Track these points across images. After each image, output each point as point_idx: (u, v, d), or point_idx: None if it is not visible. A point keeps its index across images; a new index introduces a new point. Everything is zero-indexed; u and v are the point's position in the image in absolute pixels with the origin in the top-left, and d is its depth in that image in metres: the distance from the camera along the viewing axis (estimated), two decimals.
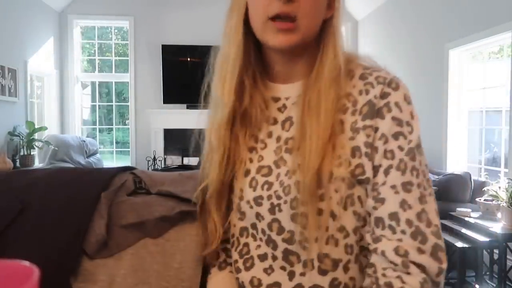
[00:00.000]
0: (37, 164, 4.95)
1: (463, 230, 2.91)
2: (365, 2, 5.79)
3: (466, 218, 3.01)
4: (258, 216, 0.68)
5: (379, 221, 0.62)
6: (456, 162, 4.15)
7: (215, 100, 0.72)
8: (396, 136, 0.64)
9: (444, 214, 3.25)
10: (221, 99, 0.70)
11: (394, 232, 0.61)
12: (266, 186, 0.67)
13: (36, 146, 4.80)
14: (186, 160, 5.99)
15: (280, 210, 0.65)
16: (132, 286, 0.95)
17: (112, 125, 6.64)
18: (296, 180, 0.64)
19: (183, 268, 0.98)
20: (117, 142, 6.74)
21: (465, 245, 2.79)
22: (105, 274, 0.94)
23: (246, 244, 0.71)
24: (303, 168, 0.63)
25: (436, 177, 3.82)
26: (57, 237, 0.90)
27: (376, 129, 0.64)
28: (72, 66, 6.09)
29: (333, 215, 0.63)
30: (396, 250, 0.60)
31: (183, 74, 6.05)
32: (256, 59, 0.73)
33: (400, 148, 0.64)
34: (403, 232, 0.60)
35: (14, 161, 4.47)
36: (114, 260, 0.96)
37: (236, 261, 0.73)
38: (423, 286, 0.58)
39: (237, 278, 0.72)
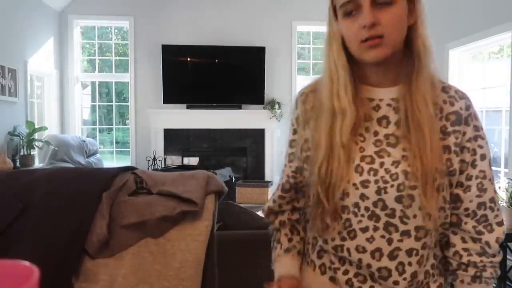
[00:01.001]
0: (37, 164, 4.95)
1: None
2: None
3: None
4: (363, 196, 0.83)
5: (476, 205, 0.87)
6: None
7: (330, 110, 0.85)
8: (476, 138, 0.85)
9: None
10: (340, 110, 0.84)
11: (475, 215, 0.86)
12: (372, 172, 0.82)
13: (36, 146, 4.80)
14: (186, 160, 5.98)
15: (386, 192, 0.81)
16: (133, 286, 0.95)
17: (112, 125, 6.64)
18: (403, 169, 0.81)
19: (184, 268, 0.98)
20: (117, 142, 6.74)
21: None
22: (106, 274, 0.94)
23: (348, 220, 0.85)
24: (419, 161, 0.79)
25: None
26: (59, 237, 0.90)
27: (464, 133, 0.84)
28: (72, 66, 6.09)
29: (430, 198, 0.81)
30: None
31: (183, 74, 6.05)
32: (351, 67, 0.87)
33: (480, 147, 0.85)
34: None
35: (14, 161, 4.47)
36: (115, 260, 0.96)
37: (340, 232, 0.87)
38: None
39: (343, 245, 0.87)
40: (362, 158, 0.84)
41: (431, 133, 0.80)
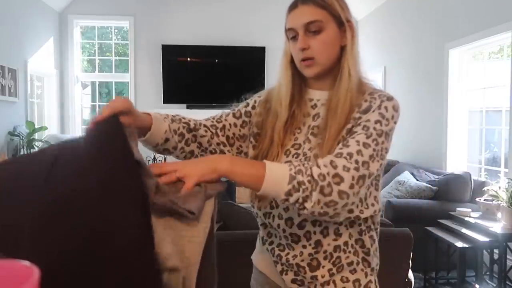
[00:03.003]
0: None
1: (463, 230, 2.91)
2: (365, 2, 5.79)
3: (466, 218, 3.01)
4: None
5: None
6: (456, 162, 4.15)
7: (274, 111, 1.08)
8: (376, 122, 0.93)
9: (444, 214, 3.25)
10: (278, 113, 1.07)
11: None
12: (295, 156, 1.03)
13: (36, 146, 4.80)
14: None
15: None
16: None
17: None
18: (315, 153, 0.98)
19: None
20: None
21: (465, 245, 2.78)
22: None
23: None
24: (321, 146, 0.97)
25: (436, 177, 3.81)
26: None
27: (366, 118, 0.95)
28: (72, 66, 6.10)
29: None
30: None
31: (183, 74, 6.05)
32: (299, 77, 1.09)
33: (374, 128, 0.92)
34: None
35: None
36: None
37: (270, 202, 1.04)
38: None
39: (271, 212, 1.04)
40: (293, 145, 1.05)
41: (337, 123, 0.96)
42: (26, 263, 0.43)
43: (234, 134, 1.13)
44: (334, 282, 1.01)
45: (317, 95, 1.07)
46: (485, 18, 3.62)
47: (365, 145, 0.90)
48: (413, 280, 2.05)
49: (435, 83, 4.37)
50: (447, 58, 4.14)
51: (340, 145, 0.92)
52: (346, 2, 1.04)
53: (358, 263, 1.02)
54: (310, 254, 1.00)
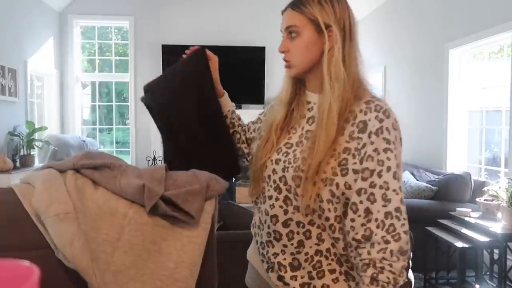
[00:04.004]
0: (37, 164, 4.95)
1: (463, 230, 2.91)
2: (365, 2, 5.79)
3: (466, 218, 3.01)
4: (274, 171, 1.04)
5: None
6: (456, 162, 4.14)
7: (274, 108, 1.15)
8: (385, 150, 0.93)
9: (444, 214, 3.25)
10: (278, 109, 1.12)
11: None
12: (285, 154, 1.04)
13: (36, 146, 4.80)
14: None
15: (287, 171, 1.01)
16: (122, 284, 0.95)
17: (112, 125, 6.64)
18: (303, 156, 0.99)
19: (178, 269, 0.98)
20: (117, 142, 6.74)
21: (465, 245, 2.78)
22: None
23: (264, 187, 1.07)
24: (312, 152, 0.97)
25: (436, 177, 3.81)
26: None
27: (366, 144, 0.94)
28: (72, 66, 6.09)
29: (315, 184, 0.96)
30: None
31: None
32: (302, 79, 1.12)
33: (388, 159, 0.92)
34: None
35: (14, 161, 4.47)
36: (106, 255, 0.95)
37: (259, 196, 1.10)
38: None
39: (260, 206, 1.09)
40: (285, 144, 1.06)
41: (325, 133, 0.96)
42: (26, 263, 0.43)
43: (250, 138, 1.31)
44: (314, 287, 0.99)
45: (313, 97, 1.09)
46: (485, 18, 3.62)
47: (395, 192, 0.91)
48: (413, 280, 2.04)
49: (435, 83, 4.37)
50: (447, 58, 4.14)
51: (382, 201, 0.91)
52: (345, 5, 1.02)
53: (341, 274, 0.99)
54: (292, 254, 1.01)
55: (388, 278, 0.87)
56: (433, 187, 3.61)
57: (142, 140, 6.10)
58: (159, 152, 5.93)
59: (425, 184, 3.68)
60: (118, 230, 0.98)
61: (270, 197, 1.04)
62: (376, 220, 0.90)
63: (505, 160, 3.63)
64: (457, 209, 3.17)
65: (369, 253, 0.89)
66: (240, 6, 6.16)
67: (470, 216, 3.03)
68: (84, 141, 5.55)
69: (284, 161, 1.03)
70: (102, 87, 6.92)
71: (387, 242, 0.88)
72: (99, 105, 6.69)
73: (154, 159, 5.80)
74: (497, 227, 2.77)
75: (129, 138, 6.22)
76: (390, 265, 0.87)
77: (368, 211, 0.90)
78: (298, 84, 1.11)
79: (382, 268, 0.87)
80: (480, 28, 3.66)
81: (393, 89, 5.28)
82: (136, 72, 6.12)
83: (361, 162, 0.93)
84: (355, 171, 0.93)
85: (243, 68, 6.03)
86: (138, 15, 6.11)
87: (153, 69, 6.03)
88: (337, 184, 0.94)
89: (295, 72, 1.07)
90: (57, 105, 5.93)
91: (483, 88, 3.99)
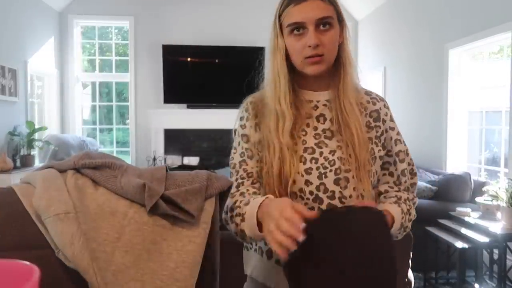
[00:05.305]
0: (38, 164, 4.95)
1: (463, 230, 2.91)
2: (365, 2, 5.79)
3: (466, 218, 3.01)
4: (307, 182, 0.97)
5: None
6: (456, 162, 4.15)
7: (274, 112, 1.00)
8: (398, 133, 1.07)
9: (444, 214, 3.25)
10: (281, 113, 0.99)
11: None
12: (313, 161, 0.97)
13: (36, 146, 4.80)
14: (186, 160, 5.98)
15: (326, 177, 0.96)
16: (123, 284, 0.95)
17: (112, 125, 6.64)
18: (339, 156, 0.97)
19: (179, 268, 0.98)
20: (117, 142, 6.74)
21: (465, 245, 2.78)
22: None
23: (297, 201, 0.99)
24: (352, 150, 0.96)
25: (436, 177, 3.81)
26: None
27: (384, 130, 1.04)
28: (73, 66, 6.09)
29: (362, 180, 0.97)
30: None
31: (184, 74, 6.05)
32: (292, 75, 1.04)
33: (398, 134, 1.07)
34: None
35: (14, 161, 4.47)
36: (106, 255, 0.95)
37: None
38: None
39: None
40: (305, 150, 0.99)
41: (357, 129, 0.97)
42: (26, 263, 0.43)
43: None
44: None
45: (316, 96, 1.04)
46: (485, 18, 3.62)
47: (406, 153, 1.07)
48: (413, 280, 2.05)
49: (434, 83, 4.37)
50: (446, 58, 4.14)
51: (404, 179, 1.06)
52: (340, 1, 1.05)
53: None
54: None
55: (406, 199, 1.06)
56: (433, 187, 3.61)
57: (142, 140, 6.10)
58: (159, 152, 5.93)
59: (425, 184, 3.68)
60: (119, 230, 0.98)
61: (312, 210, 0.96)
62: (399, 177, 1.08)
63: (505, 160, 3.63)
64: (457, 209, 3.17)
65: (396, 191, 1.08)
66: (240, 7, 6.16)
67: (470, 216, 3.03)
68: (84, 141, 5.55)
69: (317, 168, 0.97)
70: (102, 87, 6.92)
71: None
72: (99, 105, 6.69)
73: (154, 159, 5.80)
74: (497, 227, 2.77)
75: (129, 138, 6.22)
76: (408, 197, 1.08)
77: (414, 186, 1.08)
78: (291, 81, 1.04)
79: (401, 197, 1.05)
80: (480, 29, 3.66)
81: (393, 89, 5.28)
82: (136, 72, 6.12)
83: (384, 148, 1.03)
84: (381, 158, 1.02)
85: (243, 68, 6.02)
86: (139, 15, 6.11)
87: (153, 69, 6.03)
88: (373, 174, 1.01)
89: (324, 68, 0.99)
90: (57, 105, 5.93)
91: (482, 88, 3.99)
